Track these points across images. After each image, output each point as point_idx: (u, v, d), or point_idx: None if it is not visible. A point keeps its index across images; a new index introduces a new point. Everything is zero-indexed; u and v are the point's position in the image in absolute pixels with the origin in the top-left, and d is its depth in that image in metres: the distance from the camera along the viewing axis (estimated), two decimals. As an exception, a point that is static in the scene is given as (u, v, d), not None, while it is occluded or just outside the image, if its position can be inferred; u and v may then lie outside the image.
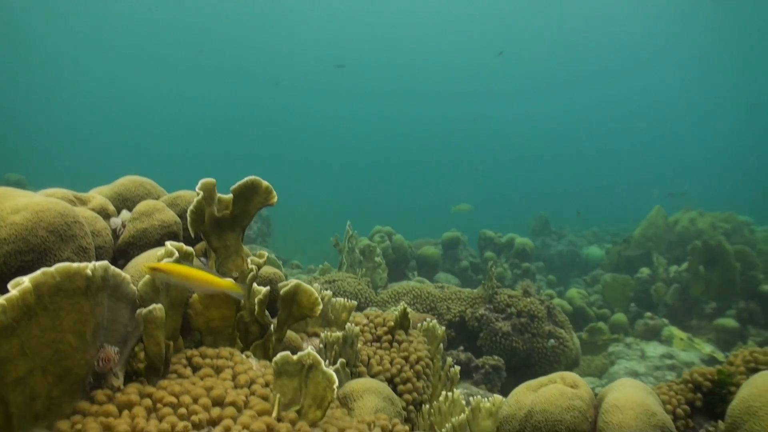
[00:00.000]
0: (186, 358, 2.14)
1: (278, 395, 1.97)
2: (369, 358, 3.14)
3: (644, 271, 11.64)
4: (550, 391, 2.68)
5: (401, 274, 11.45)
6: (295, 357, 1.99)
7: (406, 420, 3.10)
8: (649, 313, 10.21)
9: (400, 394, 3.11)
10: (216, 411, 1.85)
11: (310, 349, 2.02)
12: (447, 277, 12.27)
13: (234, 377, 2.09)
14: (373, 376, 3.07)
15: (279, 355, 1.98)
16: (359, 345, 3.15)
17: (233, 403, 1.90)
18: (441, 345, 3.63)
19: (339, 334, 2.94)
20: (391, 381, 3.12)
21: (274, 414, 1.93)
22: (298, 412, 1.99)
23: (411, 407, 3.11)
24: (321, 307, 2.54)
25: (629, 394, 2.64)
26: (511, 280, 12.42)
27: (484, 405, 2.95)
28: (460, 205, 17.96)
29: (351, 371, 3.03)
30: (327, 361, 2.90)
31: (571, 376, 2.80)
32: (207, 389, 1.93)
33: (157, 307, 1.94)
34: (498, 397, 2.96)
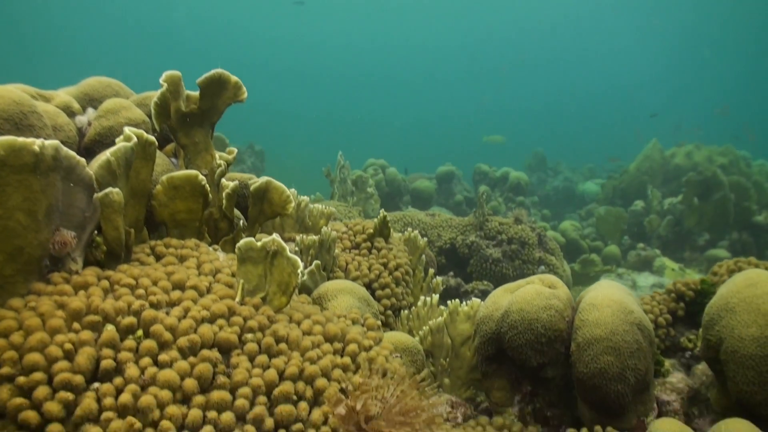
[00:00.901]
0: (150, 248, 2.08)
1: (242, 281, 1.92)
2: (347, 264, 3.10)
3: (638, 204, 11.60)
4: (527, 290, 2.65)
5: (395, 208, 11.41)
6: (259, 243, 1.94)
7: (384, 324, 3.08)
8: (641, 244, 10.21)
9: (378, 300, 3.08)
10: (176, 294, 1.81)
11: (274, 236, 1.97)
12: (441, 211, 12.24)
13: (198, 266, 2.04)
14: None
15: (242, 241, 1.93)
16: (337, 251, 3.10)
17: (195, 287, 1.86)
18: (423, 256, 3.59)
19: (315, 237, 2.89)
20: (369, 286, 3.09)
21: (237, 299, 1.89)
22: (263, 299, 1.95)
23: (389, 312, 3.09)
24: (293, 204, 2.48)
25: (607, 292, 2.61)
26: (504, 214, 12.38)
27: (462, 308, 2.92)
28: (492, 135, 17.77)
29: (329, 277, 3.00)
30: (303, 265, 2.85)
31: (549, 277, 2.77)
32: (168, 274, 1.88)
33: (114, 191, 1.87)
34: (476, 300, 2.93)
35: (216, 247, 2.27)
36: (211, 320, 1.76)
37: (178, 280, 1.85)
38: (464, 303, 2.96)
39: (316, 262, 2.74)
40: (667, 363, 2.91)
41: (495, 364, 2.74)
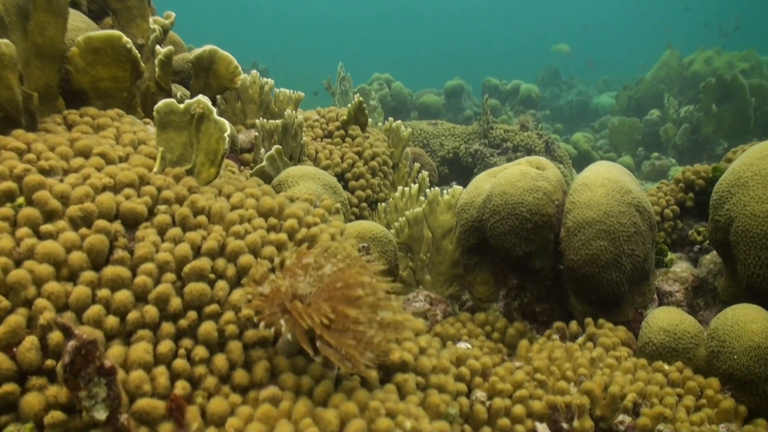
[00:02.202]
0: (62, 117, 1.79)
1: (161, 150, 1.63)
2: (317, 153, 2.80)
3: (654, 113, 11.12)
4: (512, 172, 2.34)
5: (400, 122, 11.00)
6: (181, 105, 1.63)
7: (358, 217, 2.80)
8: (656, 154, 9.81)
9: (351, 191, 2.80)
10: (78, 161, 1.53)
11: (200, 97, 1.66)
12: (448, 125, 11.83)
13: (117, 136, 1.75)
14: (320, 171, 2.74)
15: (161, 103, 1.63)
16: (307, 139, 2.80)
17: (103, 155, 1.57)
18: (407, 150, 3.28)
19: (278, 122, 2.58)
20: (341, 177, 2.80)
21: (156, 169, 1.61)
22: (190, 171, 1.66)
23: (364, 205, 2.81)
24: (241, 77, 2.16)
25: (601, 171, 2.30)
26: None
27: (442, 197, 2.63)
28: (559, 44, 17.12)
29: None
30: (263, 151, 2.56)
31: (538, 159, 2.45)
32: (72, 140, 1.59)
33: (3, 42, 1.56)
34: (458, 187, 2.63)
35: (148, 121, 1.97)
36: (117, 189, 1.48)
37: (83, 146, 1.57)
38: (445, 191, 2.66)
39: (276, 147, 2.45)
40: (673, 256, 2.62)
41: (477, 255, 2.47)
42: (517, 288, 2.42)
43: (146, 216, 1.46)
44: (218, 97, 2.70)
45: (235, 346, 1.33)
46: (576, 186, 2.29)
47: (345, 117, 2.95)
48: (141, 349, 1.21)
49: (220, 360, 1.31)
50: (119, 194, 1.47)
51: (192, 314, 1.33)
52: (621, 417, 1.72)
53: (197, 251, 1.44)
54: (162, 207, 1.49)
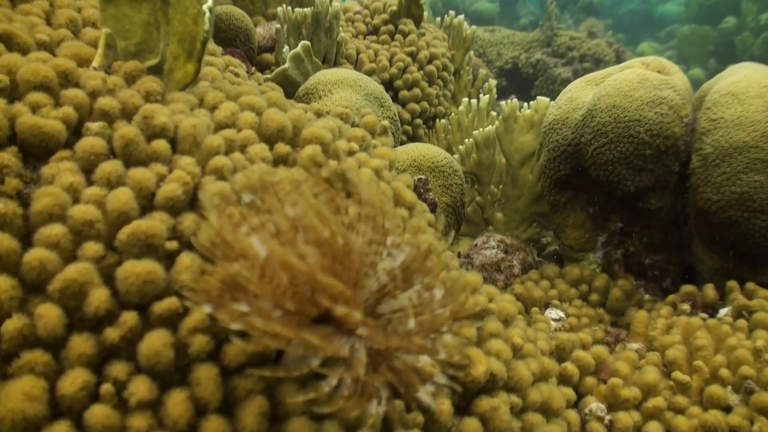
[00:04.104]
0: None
1: (106, 32, 1.04)
2: (358, 54, 2.19)
3: (729, 21, 10.05)
4: (624, 78, 1.70)
5: (450, 31, 10.21)
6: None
7: (411, 139, 2.21)
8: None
9: (402, 104, 2.19)
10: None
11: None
12: (502, 34, 10.99)
13: (48, 14, 1.17)
14: (362, 78, 2.13)
15: (115, -39, 1.03)
16: (345, 35, 2.17)
17: (6, 38, 0.99)
18: (470, 53, 2.63)
19: (306, 10, 1.96)
20: (389, 85, 2.18)
21: (95, 63, 1.03)
22: (156, 68, 1.08)
23: (419, 122, 2.20)
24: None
25: (754, 76, 1.64)
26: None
27: (522, 113, 2.01)
28: None
29: (331, 71, 2.09)
30: (287, 49, 1.95)
31: (658, 60, 1.80)
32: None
33: None
34: (543, 99, 2.00)
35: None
36: (18, 94, 0.90)
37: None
38: (525, 105, 2.04)
39: (303, 43, 1.84)
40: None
41: (570, 190, 1.87)
42: (622, 233, 1.82)
43: (64, 139, 0.89)
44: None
45: (205, 374, 0.77)
46: (717, 97, 1.64)
47: (394, 8, 2.30)
48: (22, 392, 0.66)
49: (177, 401, 0.75)
50: (21, 102, 0.90)
51: (129, 318, 0.77)
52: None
53: (147, 203, 0.88)
54: (94, 125, 0.92)
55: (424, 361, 0.75)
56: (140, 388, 0.75)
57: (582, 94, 1.84)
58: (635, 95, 1.66)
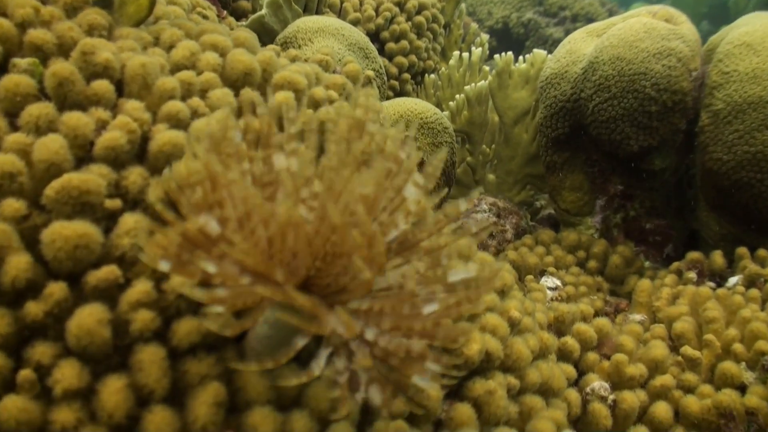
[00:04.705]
0: None
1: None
2: (342, 2, 2.03)
3: (725, -18, 9.87)
4: (629, 27, 1.57)
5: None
6: None
7: (398, 94, 2.07)
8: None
9: (389, 58, 2.05)
10: None
11: None
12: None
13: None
14: (346, 28, 1.98)
15: None
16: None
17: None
18: (461, 6, 2.48)
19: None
20: (375, 37, 2.04)
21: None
22: (104, 1, 0.94)
23: (407, 77, 2.06)
24: None
25: (770, 26, 1.51)
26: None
27: (517, 67, 1.87)
28: None
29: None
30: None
31: (665, 8, 1.66)
32: None
33: None
34: (540, 53, 1.87)
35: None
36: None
37: None
38: (521, 58, 1.91)
39: (281, -13, 1.69)
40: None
41: (568, 150, 1.75)
42: (622, 196, 1.71)
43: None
44: None
45: (149, 357, 0.65)
46: (730, 48, 1.51)
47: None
48: None
49: (113, 389, 0.63)
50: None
51: (56, 290, 0.65)
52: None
53: (85, 154, 0.75)
54: (23, 61, 0.79)
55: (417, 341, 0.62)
56: (67, 374, 0.63)
57: (582, 45, 1.70)
58: (641, 46, 1.53)
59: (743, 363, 1.11)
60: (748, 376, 1.09)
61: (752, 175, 1.43)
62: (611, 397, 1.06)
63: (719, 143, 1.47)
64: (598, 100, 1.58)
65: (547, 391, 0.94)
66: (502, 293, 0.99)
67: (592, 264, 1.62)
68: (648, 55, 1.52)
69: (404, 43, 2.06)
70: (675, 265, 1.51)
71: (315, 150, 0.73)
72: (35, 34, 0.81)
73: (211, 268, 0.56)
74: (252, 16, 1.74)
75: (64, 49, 0.82)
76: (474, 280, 0.63)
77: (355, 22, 2.00)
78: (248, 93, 0.95)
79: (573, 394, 1.03)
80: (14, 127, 0.74)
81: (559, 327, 1.14)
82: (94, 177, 0.72)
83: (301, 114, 0.89)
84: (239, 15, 1.93)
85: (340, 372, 0.61)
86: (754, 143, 1.42)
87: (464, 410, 0.79)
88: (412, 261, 0.67)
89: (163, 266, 0.58)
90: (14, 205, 0.66)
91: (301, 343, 0.62)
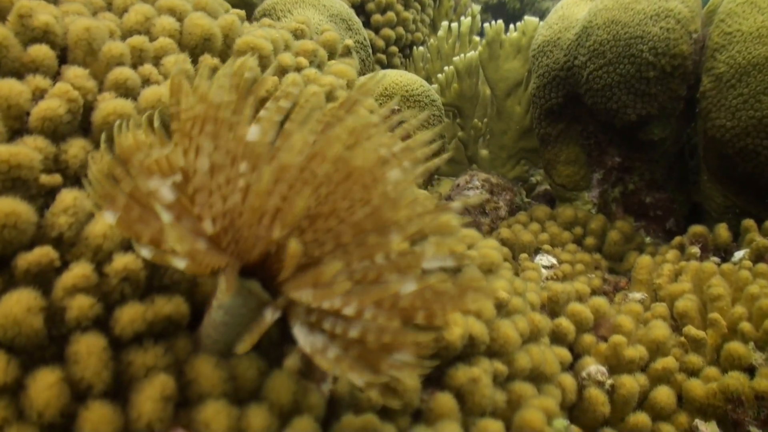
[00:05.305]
0: None
1: None
2: (323, -26, 1.94)
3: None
4: (626, -11, 1.48)
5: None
6: None
7: (386, 67, 1.98)
8: None
9: (375, 30, 1.96)
10: None
11: None
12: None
13: None
14: (328, 0, 1.89)
15: None
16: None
17: None
18: (452, -24, 2.38)
19: None
20: (361, 9, 1.96)
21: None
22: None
23: (394, 50, 1.98)
24: None
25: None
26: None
27: (508, 36, 1.78)
28: None
29: None
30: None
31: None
32: None
33: None
34: (531, 19, 1.78)
35: None
36: None
37: None
38: (511, 26, 1.82)
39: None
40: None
41: (562, 122, 1.67)
42: (620, 169, 1.63)
43: None
44: None
45: (87, 347, 0.58)
46: (733, 6, 1.42)
47: None
48: None
49: (44, 385, 0.56)
50: None
51: None
52: None
53: (21, 125, 0.68)
54: None
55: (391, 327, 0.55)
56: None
57: (576, 10, 1.62)
58: (637, 8, 1.44)
59: (751, 343, 1.03)
60: (757, 357, 1.01)
61: (758, 141, 1.35)
62: (609, 381, 0.98)
63: (722, 109, 1.39)
64: (592, 67, 1.49)
65: (538, 377, 0.86)
66: (489, 272, 0.91)
67: (590, 241, 1.54)
68: (645, 17, 1.43)
69: (391, 14, 1.97)
70: (677, 239, 1.43)
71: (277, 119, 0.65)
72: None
73: (166, 216, 0.49)
74: (228, -11, 1.65)
75: (1, 14, 0.74)
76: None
77: (337, -6, 1.91)
78: (207, 59, 0.87)
79: (568, 380, 0.95)
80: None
81: (552, 308, 1.07)
82: (27, 150, 0.65)
83: (264, 81, 0.81)
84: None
85: (322, 351, 0.52)
86: (759, 107, 1.33)
87: (445, 400, 0.72)
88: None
89: (108, 217, 0.51)
90: None
91: (270, 317, 0.53)
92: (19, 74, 0.73)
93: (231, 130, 0.57)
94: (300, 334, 0.50)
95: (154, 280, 0.65)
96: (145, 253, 0.49)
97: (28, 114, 0.70)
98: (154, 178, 0.51)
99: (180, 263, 0.48)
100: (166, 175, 0.53)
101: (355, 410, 0.66)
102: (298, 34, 1.17)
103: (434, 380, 0.76)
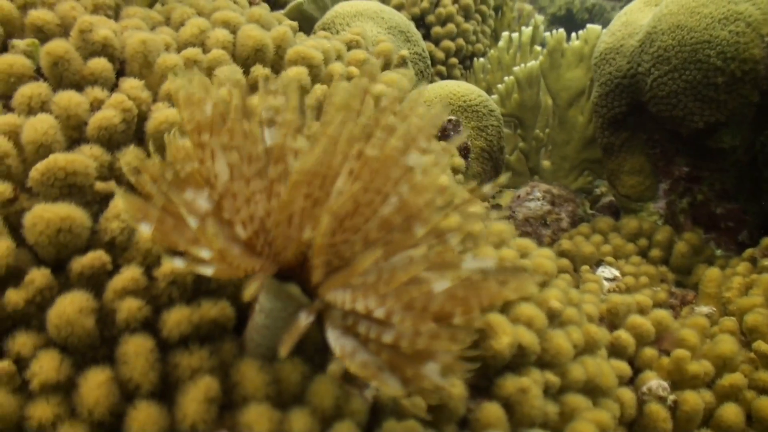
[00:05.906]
0: None
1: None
2: (384, -13, 1.96)
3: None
4: None
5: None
6: None
7: (447, 78, 1.98)
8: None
9: (435, 42, 1.96)
10: None
11: None
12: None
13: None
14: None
15: None
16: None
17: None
18: (515, -13, 2.37)
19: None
20: (420, 22, 1.96)
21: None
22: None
23: (454, 61, 1.98)
24: None
25: None
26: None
27: (570, 45, 1.76)
28: None
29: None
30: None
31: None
32: None
33: None
34: (594, 28, 1.76)
35: None
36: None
37: None
38: (574, 36, 1.79)
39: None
40: None
41: (626, 131, 1.63)
42: (688, 179, 1.58)
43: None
44: None
45: (135, 348, 0.60)
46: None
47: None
48: None
49: (95, 384, 0.58)
50: None
51: (37, 276, 0.61)
52: None
53: (80, 135, 0.71)
54: (21, 42, 0.76)
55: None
56: (45, 366, 0.59)
57: (639, 16, 1.58)
58: (704, 12, 1.40)
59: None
60: (834, 374, 0.96)
61: (836, 148, 1.28)
62: (671, 397, 0.94)
63: (796, 115, 1.33)
64: (657, 74, 1.45)
65: (593, 390, 0.83)
66: (543, 282, 0.89)
67: (655, 253, 1.49)
68: (712, 21, 1.39)
69: (451, 26, 1.97)
70: (748, 252, 1.37)
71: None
72: (36, 15, 0.79)
73: (192, 221, 0.50)
74: (290, 4, 1.69)
75: (66, 30, 0.78)
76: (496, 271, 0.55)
77: (399, 7, 1.92)
78: (259, 70, 0.89)
79: (627, 394, 0.92)
80: (9, 110, 0.71)
81: (612, 320, 1.03)
82: (83, 158, 0.67)
83: (315, 90, 0.82)
84: (280, 5, 1.88)
85: (351, 354, 0.52)
86: (836, 113, 1.27)
87: (493, 410, 0.71)
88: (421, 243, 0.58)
89: (144, 228, 0.52)
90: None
91: (304, 320, 0.54)
92: (79, 86, 0.77)
93: (247, 137, 0.57)
94: (331, 336, 0.50)
95: (201, 285, 0.67)
96: (178, 263, 0.50)
97: (86, 124, 0.73)
98: (189, 190, 0.52)
99: (207, 270, 0.49)
100: (203, 185, 0.54)
101: (397, 417, 0.65)
102: (352, 45, 1.18)
103: (482, 390, 0.75)
